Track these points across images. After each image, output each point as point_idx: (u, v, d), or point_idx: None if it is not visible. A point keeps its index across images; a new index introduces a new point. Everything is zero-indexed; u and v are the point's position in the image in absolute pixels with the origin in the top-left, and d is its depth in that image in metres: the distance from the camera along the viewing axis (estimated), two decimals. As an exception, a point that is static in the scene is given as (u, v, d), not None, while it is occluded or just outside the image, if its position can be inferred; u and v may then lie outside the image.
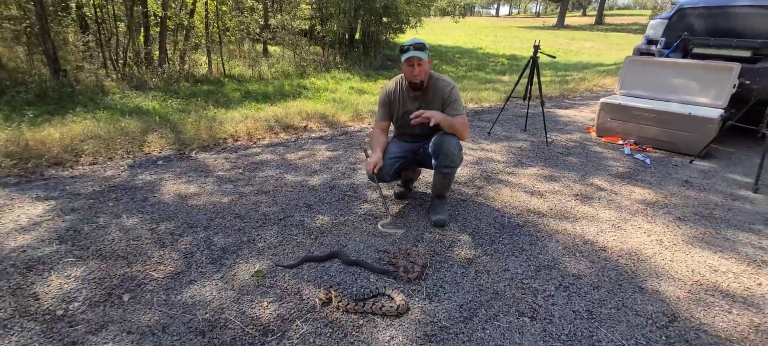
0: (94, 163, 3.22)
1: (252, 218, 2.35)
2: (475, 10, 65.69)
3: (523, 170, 3.24)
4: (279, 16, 13.88)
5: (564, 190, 2.87)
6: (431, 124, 2.09)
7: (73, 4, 8.62)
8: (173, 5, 9.20)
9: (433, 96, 2.27)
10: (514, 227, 2.33)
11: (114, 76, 7.66)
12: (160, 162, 3.27)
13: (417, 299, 1.69)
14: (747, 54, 3.71)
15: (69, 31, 8.75)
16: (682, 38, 4.08)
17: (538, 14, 51.99)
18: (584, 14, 43.42)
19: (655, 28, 4.46)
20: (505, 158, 3.53)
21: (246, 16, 11.88)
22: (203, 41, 10.23)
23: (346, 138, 4.11)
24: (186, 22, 9.67)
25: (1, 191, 2.61)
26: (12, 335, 1.43)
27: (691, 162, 3.48)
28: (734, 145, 4.06)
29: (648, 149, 3.80)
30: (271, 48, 13.36)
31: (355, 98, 6.52)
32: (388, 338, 1.48)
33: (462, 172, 3.15)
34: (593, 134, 4.33)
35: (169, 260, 1.90)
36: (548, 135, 4.23)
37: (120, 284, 1.73)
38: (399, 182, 2.70)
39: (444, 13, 17.10)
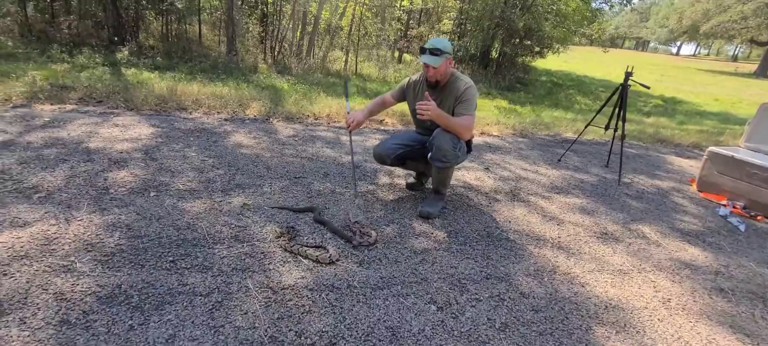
0: (206, 113, 4.14)
1: (276, 172, 2.78)
2: (649, 45, 56.94)
3: (561, 198, 2.96)
4: (420, 28, 14.66)
5: (592, 226, 2.55)
6: (425, 117, 2.17)
7: (261, 7, 10.65)
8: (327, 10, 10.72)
9: (449, 94, 2.34)
10: (500, 240, 2.22)
11: (268, 62, 9.32)
12: (247, 121, 4.02)
13: (350, 260, 1.84)
14: None
15: (250, 22, 11.02)
16: None
17: (734, 58, 42.33)
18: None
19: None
20: (551, 183, 3.25)
21: (389, 26, 12.86)
22: (345, 41, 11.59)
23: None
24: (334, 24, 11.13)
25: (139, 116, 3.64)
26: (82, 197, 2.11)
27: (813, 245, 2.65)
28: None
29: (758, 218, 3.01)
30: (406, 56, 14.21)
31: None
32: (300, 277, 1.68)
33: (488, 182, 3.06)
34: (693, 187, 3.59)
35: (195, 182, 2.45)
36: (632, 177, 3.69)
37: (155, 185, 2.32)
38: (412, 173, 2.82)
39: (590, 41, 15.46)
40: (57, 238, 1.72)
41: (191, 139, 3.22)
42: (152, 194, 2.22)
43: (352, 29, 11.64)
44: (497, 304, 1.67)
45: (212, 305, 1.46)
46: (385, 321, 1.49)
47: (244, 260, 1.74)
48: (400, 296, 1.65)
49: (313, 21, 10.67)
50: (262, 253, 1.80)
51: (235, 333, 1.35)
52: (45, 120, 3.22)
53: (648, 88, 3.62)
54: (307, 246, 1.86)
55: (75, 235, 1.76)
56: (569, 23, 13.91)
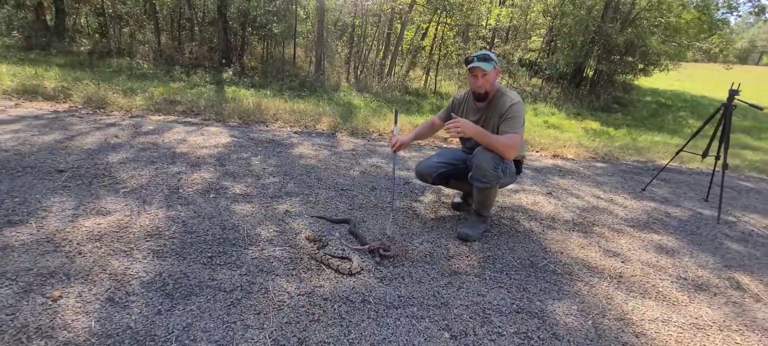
0: (281, 127, 4.51)
1: (325, 183, 2.89)
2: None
3: (635, 232, 2.57)
4: (505, 46, 14.25)
5: (668, 268, 2.17)
6: (459, 135, 2.09)
7: (350, 30, 11.39)
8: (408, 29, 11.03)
9: (493, 110, 2.23)
10: (544, 271, 2.01)
11: (350, 80, 9.86)
12: (314, 134, 4.27)
13: (372, 275, 1.82)
14: None
15: (340, 44, 11.81)
16: None
17: None
18: None
19: None
20: (626, 215, 2.85)
21: (473, 45, 12.72)
22: (426, 61, 11.74)
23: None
24: (415, 44, 11.39)
25: (223, 127, 4.10)
26: (157, 194, 2.44)
27: None
28: None
29: None
30: (490, 74, 13.86)
31: (539, 130, 6.18)
32: (319, 285, 1.71)
33: (546, 208, 2.79)
34: (830, 234, 2.85)
35: (251, 187, 2.66)
36: (740, 215, 3.08)
37: (216, 188, 2.58)
38: (459, 193, 2.71)
39: (708, 57, 13.28)
40: (127, 227, 2.00)
41: (259, 149, 3.52)
42: (212, 195, 2.47)
43: (433, 48, 11.75)
44: (522, 342, 1.51)
45: (231, 301, 1.56)
46: (390, 341, 1.44)
47: (272, 263, 1.84)
48: (414, 318, 1.58)
49: (395, 41, 11.01)
50: (290, 258, 1.88)
51: (244, 331, 1.42)
52: (150, 128, 3.81)
53: (761, 109, 3.00)
54: (332, 256, 1.89)
55: (141, 226, 2.03)
56: (681, 37, 12.23)
